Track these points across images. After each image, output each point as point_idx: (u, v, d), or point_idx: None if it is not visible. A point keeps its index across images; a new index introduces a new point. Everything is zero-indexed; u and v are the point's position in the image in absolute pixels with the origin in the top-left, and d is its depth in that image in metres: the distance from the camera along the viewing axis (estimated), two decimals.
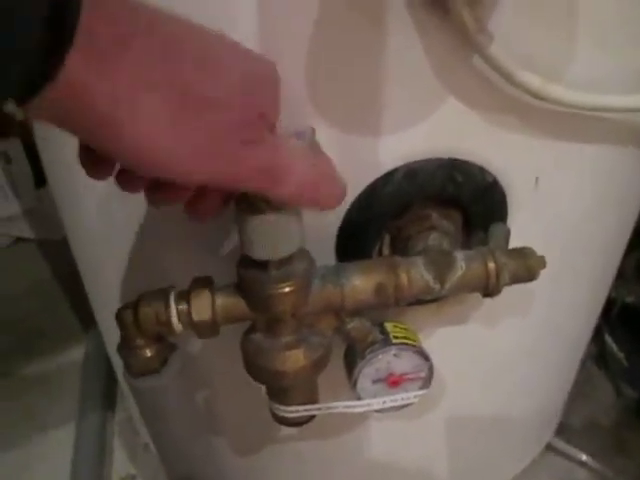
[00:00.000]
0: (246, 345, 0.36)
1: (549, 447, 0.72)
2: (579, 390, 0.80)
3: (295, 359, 0.35)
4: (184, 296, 0.34)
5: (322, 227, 0.38)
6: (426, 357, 0.38)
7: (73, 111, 0.21)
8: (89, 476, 0.69)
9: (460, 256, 0.36)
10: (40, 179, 1.04)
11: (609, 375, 0.82)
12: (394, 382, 0.38)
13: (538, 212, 0.41)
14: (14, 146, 1.02)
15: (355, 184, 0.37)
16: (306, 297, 0.34)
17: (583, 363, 0.83)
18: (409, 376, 0.39)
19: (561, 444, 0.71)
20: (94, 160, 0.26)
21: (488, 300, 0.43)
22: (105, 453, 0.74)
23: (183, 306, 0.34)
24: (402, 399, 0.39)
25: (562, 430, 0.74)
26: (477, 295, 0.42)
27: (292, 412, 0.38)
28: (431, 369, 0.39)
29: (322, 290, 0.34)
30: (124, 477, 0.73)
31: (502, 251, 0.36)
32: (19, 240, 1.14)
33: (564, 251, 0.45)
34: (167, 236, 0.41)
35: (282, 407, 0.38)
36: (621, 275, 0.79)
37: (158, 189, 0.28)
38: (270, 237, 0.31)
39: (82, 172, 0.27)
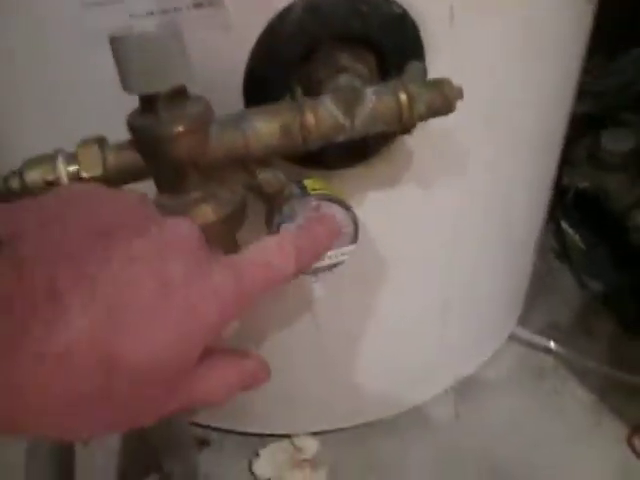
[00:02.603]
0: None
1: (512, 337, 0.71)
2: (541, 284, 0.79)
3: (203, 215, 0.33)
4: (73, 156, 0.31)
5: (225, 77, 0.35)
6: (349, 208, 0.36)
7: None
8: None
9: (370, 90, 0.33)
10: None
11: (570, 267, 0.81)
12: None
13: (457, 50, 0.38)
14: None
15: (252, 26, 0.34)
16: (204, 143, 0.31)
17: (544, 256, 0.83)
18: None
19: (524, 333, 0.71)
20: None
21: (419, 159, 0.41)
22: None
23: (73, 167, 0.31)
24: (330, 257, 0.37)
25: (525, 322, 0.73)
26: (405, 153, 0.40)
27: None
28: (356, 222, 0.37)
29: (222, 135, 0.32)
30: None
31: (415, 82, 0.34)
32: None
33: (494, 104, 0.43)
34: None
35: None
36: (573, 162, 0.78)
37: None
38: (146, 63, 0.28)
39: None
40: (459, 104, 0.34)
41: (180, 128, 0.30)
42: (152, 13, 0.34)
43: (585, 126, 0.77)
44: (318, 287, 0.46)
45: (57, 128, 0.39)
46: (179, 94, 0.30)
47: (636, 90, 0.76)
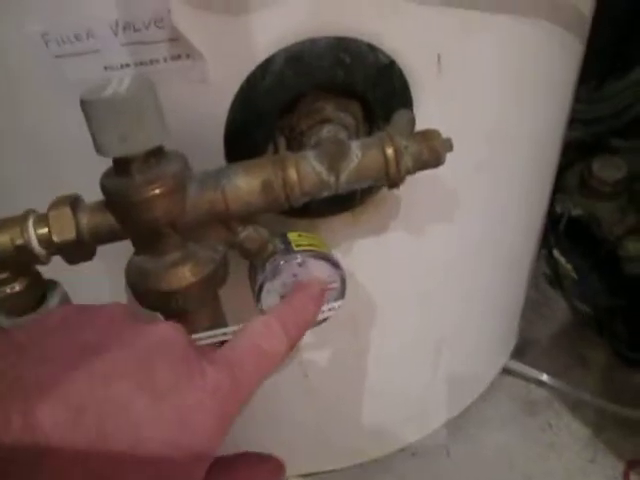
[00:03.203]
0: (129, 270, 0.32)
1: (506, 370, 0.70)
2: (534, 312, 0.78)
3: (181, 277, 0.31)
4: (44, 218, 0.30)
5: (205, 131, 0.34)
6: (336, 264, 0.35)
7: None
8: None
9: (356, 144, 0.32)
10: None
11: (563, 295, 0.80)
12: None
13: (447, 97, 0.37)
14: None
15: (232, 78, 0.33)
16: (182, 203, 0.30)
17: (536, 284, 0.82)
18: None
19: (518, 365, 0.69)
20: None
21: (406, 205, 0.40)
22: None
23: (43, 229, 0.30)
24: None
25: (519, 353, 0.72)
26: (394, 200, 0.39)
27: (207, 338, 0.34)
28: (343, 278, 0.35)
29: (201, 194, 0.30)
30: None
31: (402, 135, 0.32)
32: None
33: (485, 146, 0.42)
34: None
35: (196, 336, 0.34)
36: (565, 189, 0.77)
37: None
38: (119, 126, 0.26)
39: None
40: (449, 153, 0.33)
41: (156, 191, 0.29)
42: (128, 65, 0.32)
43: (576, 152, 0.77)
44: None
45: (41, 179, 0.38)
46: (154, 154, 0.29)
47: (627, 116, 0.76)
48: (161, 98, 0.28)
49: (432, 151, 0.32)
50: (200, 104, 0.33)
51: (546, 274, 0.83)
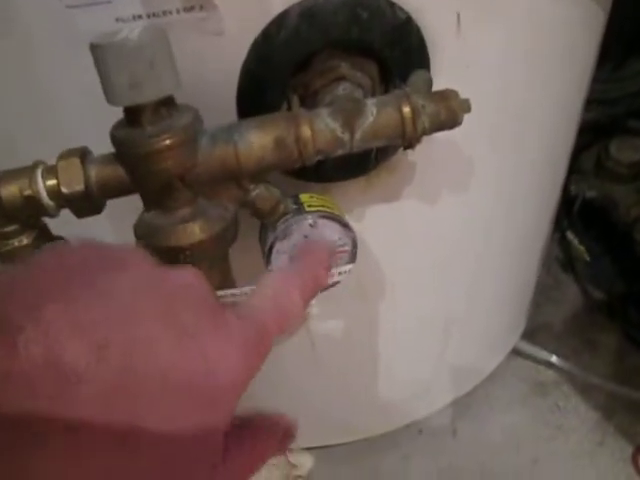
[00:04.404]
0: (137, 226, 0.32)
1: (515, 351, 0.69)
2: (545, 295, 0.77)
3: (190, 233, 0.31)
4: (53, 170, 0.29)
5: (218, 85, 0.33)
6: (347, 226, 0.34)
7: None
8: None
9: (371, 102, 0.31)
10: None
11: (576, 278, 0.79)
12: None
13: (464, 60, 0.36)
14: None
15: (245, 31, 0.32)
16: (193, 156, 0.29)
17: (548, 267, 0.81)
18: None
19: (527, 346, 0.69)
20: None
21: (422, 171, 0.39)
22: None
23: (52, 181, 0.29)
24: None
25: (528, 335, 0.71)
26: (408, 166, 0.38)
27: (223, 297, 0.34)
28: (354, 240, 0.35)
29: (212, 149, 0.30)
30: None
31: (419, 94, 0.31)
32: None
33: (501, 112, 0.41)
34: None
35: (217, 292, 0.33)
36: (580, 171, 0.76)
37: None
38: (130, 73, 0.26)
39: None
40: (465, 116, 0.32)
41: (167, 141, 0.28)
42: (140, 16, 0.32)
43: (593, 134, 0.75)
44: (313, 304, 0.44)
45: (52, 135, 0.37)
46: (166, 105, 0.28)
47: None
48: (174, 50, 0.28)
49: (449, 111, 0.31)
50: (213, 58, 0.32)
51: (559, 258, 0.82)
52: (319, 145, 0.30)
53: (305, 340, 0.48)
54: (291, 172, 0.36)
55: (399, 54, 0.34)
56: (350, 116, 0.30)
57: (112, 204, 0.32)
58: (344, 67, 0.33)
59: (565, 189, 0.65)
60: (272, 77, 0.33)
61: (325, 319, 0.47)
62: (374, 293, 0.47)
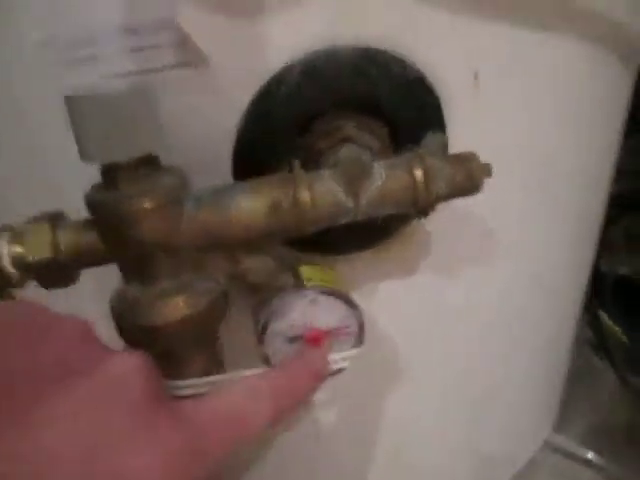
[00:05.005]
0: (114, 299, 0.28)
1: (548, 445, 0.62)
2: (578, 384, 0.71)
3: (174, 309, 0.27)
4: (19, 235, 0.26)
5: (212, 148, 0.30)
6: (353, 304, 0.30)
7: None
8: None
9: (379, 164, 0.28)
10: None
11: (611, 364, 0.72)
12: (314, 339, 0.30)
13: (483, 123, 0.33)
14: None
15: (244, 89, 0.29)
16: (176, 222, 0.26)
17: (580, 351, 0.75)
18: (334, 331, 0.30)
19: (561, 440, 0.62)
20: None
21: (439, 242, 0.35)
22: None
23: (17, 248, 0.26)
24: (330, 362, 0.30)
25: (562, 427, 0.64)
26: (425, 236, 0.35)
27: (188, 387, 0.29)
28: (361, 321, 0.30)
29: (197, 214, 0.26)
30: None
31: (434, 156, 0.28)
32: None
33: (525, 178, 0.38)
34: None
35: (175, 383, 0.29)
36: (609, 247, 0.71)
37: None
38: (106, 127, 0.23)
39: None
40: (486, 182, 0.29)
41: (147, 204, 0.25)
42: (130, 73, 0.29)
43: (622, 208, 0.71)
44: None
45: (41, 196, 0.35)
46: (147, 164, 0.25)
47: None
48: (165, 109, 0.25)
49: (468, 174, 0.28)
50: (208, 117, 0.30)
51: (591, 341, 0.76)
52: (320, 211, 0.27)
53: (310, 431, 0.42)
54: (291, 242, 0.32)
55: (410, 114, 0.31)
56: (355, 178, 0.27)
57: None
58: (350, 128, 0.30)
59: (595, 267, 0.60)
60: (271, 138, 0.30)
61: (331, 408, 0.42)
62: (385, 380, 0.42)
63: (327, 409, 0.41)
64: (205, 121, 0.30)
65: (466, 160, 0.28)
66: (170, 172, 0.26)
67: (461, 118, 0.32)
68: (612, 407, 0.68)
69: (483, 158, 0.29)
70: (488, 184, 0.28)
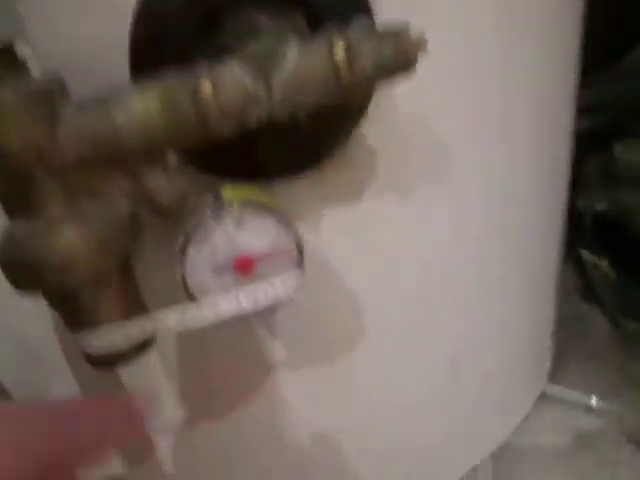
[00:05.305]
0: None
1: (544, 397, 0.58)
2: (570, 331, 0.67)
3: (67, 241, 0.22)
4: None
5: (106, 49, 0.26)
6: (287, 224, 0.26)
7: None
8: None
9: (294, 43, 0.24)
10: None
11: (601, 308, 0.69)
12: (244, 266, 0.25)
13: (415, 7, 0.29)
14: None
15: None
16: (51, 131, 0.21)
17: (569, 300, 0.71)
18: (268, 255, 0.26)
19: (558, 390, 0.58)
20: None
21: (388, 161, 0.31)
22: None
23: None
24: (265, 292, 0.26)
25: (557, 377, 0.60)
26: (370, 154, 0.31)
27: (100, 337, 0.25)
28: (299, 242, 0.26)
29: (78, 119, 0.22)
30: None
31: (357, 33, 0.24)
32: None
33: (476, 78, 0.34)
34: None
35: (85, 333, 0.25)
36: (585, 185, 0.68)
37: None
38: None
39: None
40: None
41: (9, 97, 0.20)
42: None
43: (592, 144, 0.68)
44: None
45: None
46: (8, 60, 0.21)
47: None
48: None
49: (399, 48, 0.24)
50: (96, 20, 0.25)
51: (578, 288, 0.73)
52: (224, 103, 0.23)
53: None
54: (211, 167, 0.28)
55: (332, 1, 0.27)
56: (264, 60, 0.23)
57: None
58: (263, 20, 0.26)
59: (572, 209, 0.57)
60: (171, 37, 0.26)
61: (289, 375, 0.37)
62: (346, 337, 0.37)
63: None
64: (94, 26, 0.26)
65: (396, 33, 0.24)
66: (42, 73, 0.22)
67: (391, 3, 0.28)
68: (606, 351, 0.64)
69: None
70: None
